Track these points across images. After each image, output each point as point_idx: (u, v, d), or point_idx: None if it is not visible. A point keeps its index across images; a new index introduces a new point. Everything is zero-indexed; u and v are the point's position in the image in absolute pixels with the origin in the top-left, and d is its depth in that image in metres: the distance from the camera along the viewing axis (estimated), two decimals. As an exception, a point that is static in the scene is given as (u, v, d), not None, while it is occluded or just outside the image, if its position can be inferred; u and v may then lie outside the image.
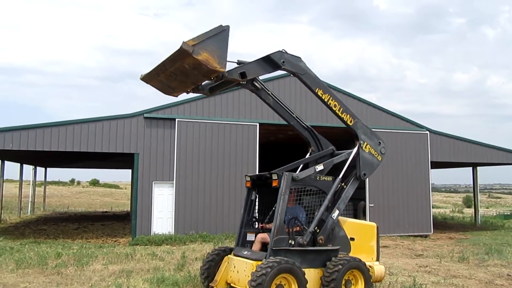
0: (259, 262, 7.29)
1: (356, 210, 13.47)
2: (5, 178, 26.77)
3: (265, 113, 18.85)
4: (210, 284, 8.32)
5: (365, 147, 8.76)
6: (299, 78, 8.15)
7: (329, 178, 8.38)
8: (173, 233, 17.60)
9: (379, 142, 8.97)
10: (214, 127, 18.84)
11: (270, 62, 7.69)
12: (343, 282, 7.68)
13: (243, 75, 7.40)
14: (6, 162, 26.15)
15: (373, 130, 9.14)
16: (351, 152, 8.71)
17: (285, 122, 8.94)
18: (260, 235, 8.32)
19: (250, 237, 8.54)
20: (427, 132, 22.46)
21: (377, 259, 8.94)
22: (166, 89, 7.66)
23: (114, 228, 22.95)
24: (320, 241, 7.94)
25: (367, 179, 16.44)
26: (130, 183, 31.27)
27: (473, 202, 33.13)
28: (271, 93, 8.51)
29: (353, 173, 8.70)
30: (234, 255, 8.34)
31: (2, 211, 26.36)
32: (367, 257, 8.62)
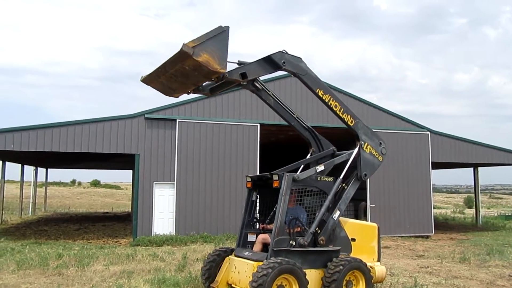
0: (260, 263, 7.28)
1: (357, 210, 13.45)
2: (6, 179, 26.83)
3: (265, 113, 18.86)
4: (211, 285, 8.32)
5: (366, 148, 8.75)
6: (299, 79, 8.14)
7: (330, 179, 8.37)
8: (174, 234, 17.61)
9: (380, 143, 8.96)
10: (214, 127, 18.84)
11: (270, 62, 7.69)
12: (344, 282, 7.67)
13: (243, 75, 7.40)
14: (7, 163, 26.18)
15: (374, 130, 9.13)
16: (352, 152, 8.70)
17: (285, 123, 8.92)
18: (261, 236, 8.31)
19: (251, 237, 8.53)
20: (428, 132, 22.45)
21: (378, 260, 8.93)
22: (167, 91, 7.66)
23: (115, 228, 22.97)
24: (321, 241, 7.92)
25: (368, 179, 16.45)
26: (131, 183, 31.28)
27: (474, 202, 33.08)
28: (272, 94, 8.51)
29: (354, 174, 8.69)
30: (235, 255, 8.33)
31: (3, 212, 26.40)
32: (368, 257, 8.61)
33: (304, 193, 8.15)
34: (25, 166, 31.77)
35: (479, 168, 27.72)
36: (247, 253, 8.12)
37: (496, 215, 41.75)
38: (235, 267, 8.08)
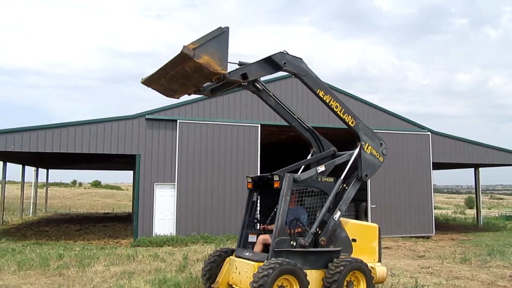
0: (261, 264, 7.28)
1: (358, 211, 13.43)
2: (7, 179, 26.84)
3: (266, 114, 18.86)
4: (211, 285, 8.32)
5: (367, 148, 8.75)
6: (300, 79, 8.14)
7: (331, 179, 8.37)
8: (174, 234, 17.61)
9: (381, 143, 8.96)
10: (215, 128, 18.85)
11: (271, 63, 7.69)
12: (345, 283, 7.66)
13: (244, 76, 7.39)
14: (8, 163, 26.20)
15: (375, 131, 9.13)
16: (353, 153, 8.69)
17: (286, 123, 8.92)
18: (261, 237, 8.31)
19: (251, 238, 8.53)
20: (429, 133, 22.44)
21: (379, 260, 8.92)
22: (168, 92, 7.67)
23: (116, 229, 22.98)
24: (322, 242, 7.92)
25: (369, 180, 16.42)
26: (132, 184, 31.30)
27: (475, 203, 33.05)
28: (273, 94, 8.51)
29: (355, 174, 8.69)
30: (236, 256, 8.33)
31: (4, 213, 26.42)
32: (369, 258, 8.60)
33: (305, 194, 8.14)
34: (26, 167, 31.80)
35: (480, 169, 27.71)
36: (247, 253, 8.12)
37: (497, 215, 41.68)
38: (236, 268, 8.08)
